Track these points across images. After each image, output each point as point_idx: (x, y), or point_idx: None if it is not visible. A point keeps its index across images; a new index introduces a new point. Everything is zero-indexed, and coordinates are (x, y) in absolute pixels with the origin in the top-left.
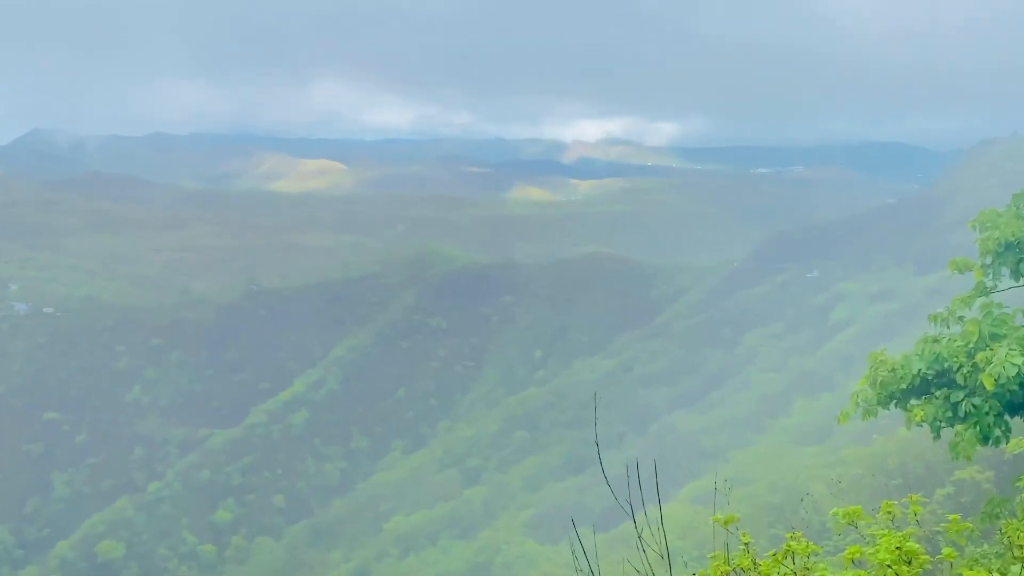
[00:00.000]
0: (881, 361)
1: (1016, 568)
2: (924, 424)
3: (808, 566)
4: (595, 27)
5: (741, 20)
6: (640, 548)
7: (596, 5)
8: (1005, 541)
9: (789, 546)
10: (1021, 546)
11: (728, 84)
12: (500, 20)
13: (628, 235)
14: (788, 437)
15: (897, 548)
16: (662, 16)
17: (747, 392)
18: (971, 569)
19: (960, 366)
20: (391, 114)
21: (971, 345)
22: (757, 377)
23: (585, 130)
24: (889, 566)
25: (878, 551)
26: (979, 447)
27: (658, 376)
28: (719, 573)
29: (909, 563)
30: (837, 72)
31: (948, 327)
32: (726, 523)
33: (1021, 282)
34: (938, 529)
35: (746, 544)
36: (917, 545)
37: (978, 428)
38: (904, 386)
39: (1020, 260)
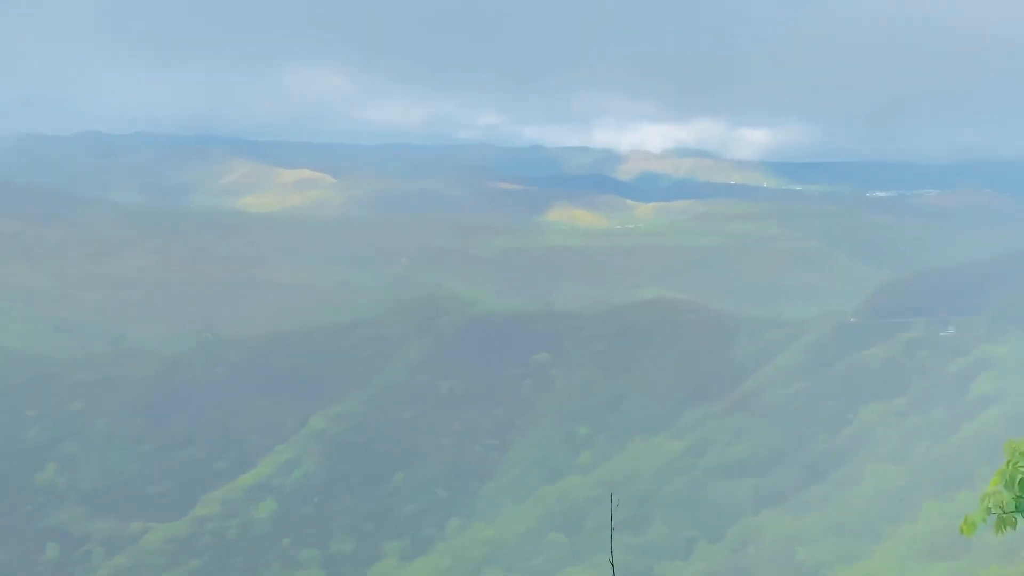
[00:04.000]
0: (1022, 453)
1: None
2: None
3: None
4: (661, 4)
5: (849, 2)
6: None
7: None
8: None
9: None
10: None
11: (837, 79)
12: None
13: (703, 276)
14: (913, 549)
15: None
16: None
17: (859, 488)
18: None
19: None
20: (395, 112)
21: None
22: (873, 468)
23: (648, 137)
24: None
25: None
26: None
27: (740, 464)
28: None
29: None
30: (984, 63)
31: None
32: None
33: None
34: None
35: None
36: None
37: None
38: None
39: None
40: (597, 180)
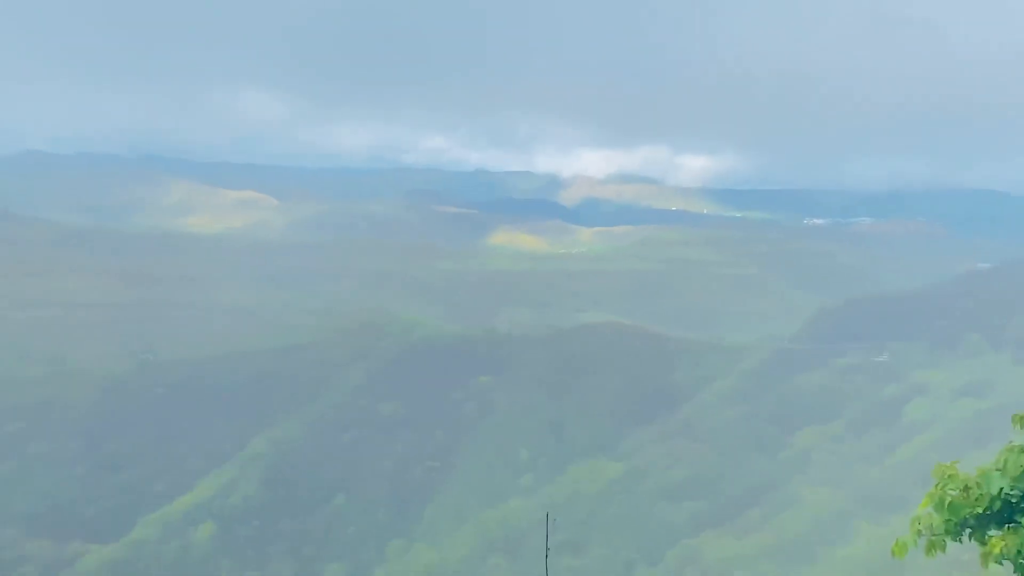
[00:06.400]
0: (951, 476)
1: None
2: (1005, 560)
3: None
4: (604, 32)
5: (790, 31)
6: None
7: (606, 12)
8: None
9: None
10: None
11: (775, 110)
12: (482, 21)
13: (645, 300)
14: (848, 572)
15: None
16: (690, 22)
17: (796, 511)
18: None
19: None
20: (339, 135)
21: None
22: (809, 492)
23: (591, 163)
24: None
25: None
26: None
27: (680, 487)
28: None
29: None
30: (919, 99)
31: None
32: None
33: None
34: None
35: None
36: None
37: None
38: (981, 510)
39: None
40: (540, 205)
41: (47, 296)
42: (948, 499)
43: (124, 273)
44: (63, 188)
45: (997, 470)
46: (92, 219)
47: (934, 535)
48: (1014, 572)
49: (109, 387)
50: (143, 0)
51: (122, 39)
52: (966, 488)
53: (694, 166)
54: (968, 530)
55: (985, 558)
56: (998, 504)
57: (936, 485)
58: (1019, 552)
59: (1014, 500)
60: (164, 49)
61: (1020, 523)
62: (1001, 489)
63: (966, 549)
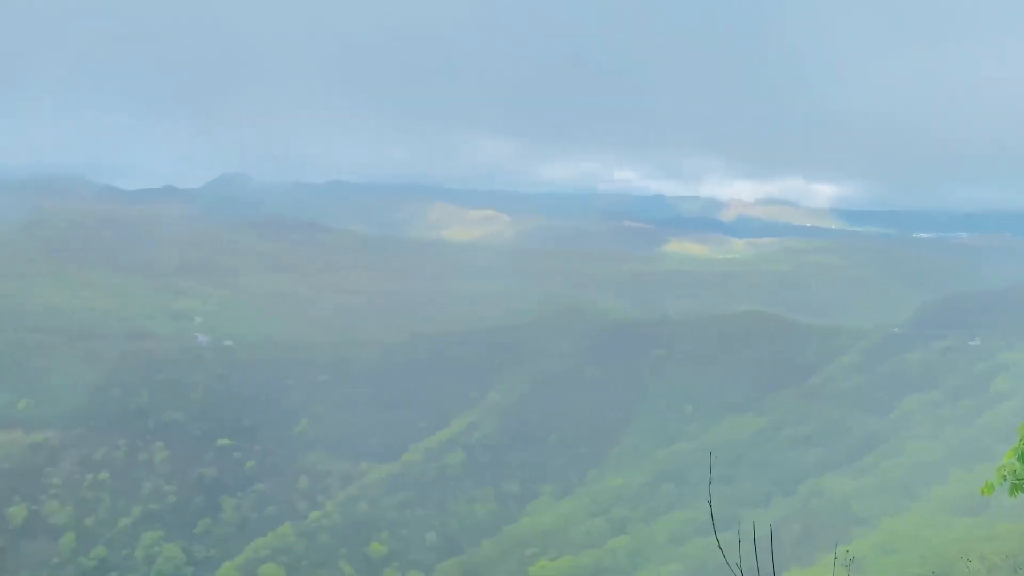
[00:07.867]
0: None
1: None
2: None
3: None
4: (755, 91)
5: (899, 89)
6: None
7: (755, 72)
8: None
9: None
10: None
11: (888, 146)
12: (662, 88)
13: (784, 294)
14: (942, 507)
15: None
16: (821, 86)
17: (900, 458)
18: None
19: None
20: (554, 169)
21: None
22: (912, 444)
23: (743, 190)
24: None
25: None
26: None
27: (809, 437)
28: None
29: None
30: (1006, 138)
31: None
32: None
33: None
34: None
35: None
36: None
37: None
38: None
39: None
40: (704, 221)
41: (347, 285)
42: None
43: (400, 270)
44: (359, 207)
45: None
46: (379, 230)
47: (1016, 480)
48: None
49: (388, 351)
50: (411, 69)
51: (399, 97)
52: None
53: (823, 192)
54: None
55: None
56: None
57: (1020, 441)
58: None
59: None
60: (429, 104)
61: None
62: None
63: None
